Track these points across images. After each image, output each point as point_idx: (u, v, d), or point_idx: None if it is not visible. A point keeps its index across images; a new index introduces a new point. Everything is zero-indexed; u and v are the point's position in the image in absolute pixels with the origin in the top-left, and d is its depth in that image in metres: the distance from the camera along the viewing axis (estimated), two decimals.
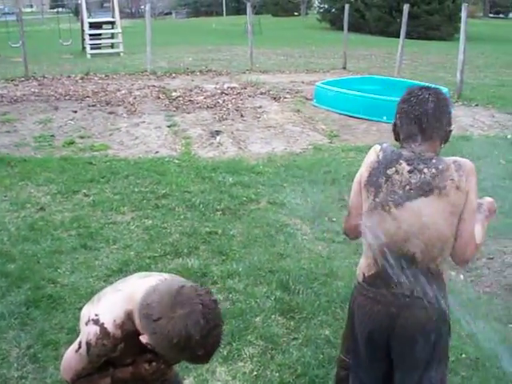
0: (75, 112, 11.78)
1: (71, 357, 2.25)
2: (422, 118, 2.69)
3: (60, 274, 5.18)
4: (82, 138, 9.92)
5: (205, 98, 13.40)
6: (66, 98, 13.22)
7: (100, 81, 15.99)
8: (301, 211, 6.72)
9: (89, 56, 22.40)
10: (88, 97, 13.32)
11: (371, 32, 37.40)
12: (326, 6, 47.75)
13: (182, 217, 6.52)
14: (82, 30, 23.66)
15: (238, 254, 5.61)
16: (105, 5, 27.21)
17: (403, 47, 16.85)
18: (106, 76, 16.73)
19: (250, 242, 5.91)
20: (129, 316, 2.14)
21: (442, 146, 2.80)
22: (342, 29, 21.03)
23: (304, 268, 5.34)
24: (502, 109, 12.70)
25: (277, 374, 3.92)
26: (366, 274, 2.79)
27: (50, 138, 9.87)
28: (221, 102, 13.03)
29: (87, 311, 2.24)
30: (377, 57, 23.43)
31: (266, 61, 20.96)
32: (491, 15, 63.41)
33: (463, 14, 13.64)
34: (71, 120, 11.16)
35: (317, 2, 57.61)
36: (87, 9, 23.88)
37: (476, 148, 9.37)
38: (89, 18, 23.76)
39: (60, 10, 43.63)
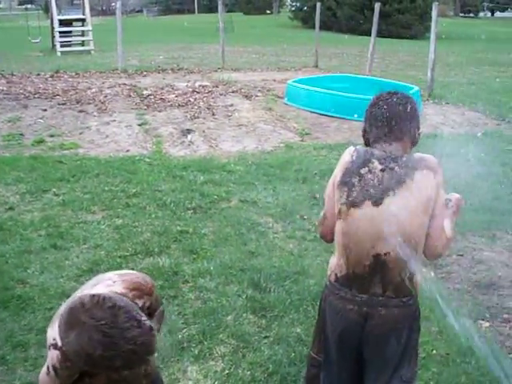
0: (45, 110, 11.66)
1: (44, 379, 2.24)
2: (392, 120, 2.73)
3: (29, 274, 5.13)
4: (51, 136, 9.83)
5: (176, 97, 13.35)
6: (36, 96, 13.08)
7: (70, 79, 15.85)
8: (272, 209, 6.73)
9: (59, 54, 22.18)
10: (58, 95, 13.19)
11: (343, 30, 37.52)
12: (298, 5, 47.78)
13: (152, 216, 6.49)
14: (52, 28, 23.40)
15: (209, 253, 5.60)
16: (75, 2, 26.91)
17: (374, 45, 16.95)
18: (76, 74, 16.59)
19: (221, 240, 5.90)
20: None
21: (411, 148, 2.83)
22: (313, 27, 21.12)
23: (275, 266, 5.35)
24: (472, 107, 12.83)
25: (248, 373, 3.91)
26: (339, 275, 2.80)
27: (19, 137, 9.75)
28: (192, 100, 12.99)
29: (49, 334, 2.21)
30: (348, 55, 23.54)
31: (237, 59, 20.95)
32: (462, 14, 64.03)
33: (434, 13, 13.76)
34: (41, 118, 11.05)
35: (289, 1, 57.72)
36: (57, 5, 23.61)
37: (446, 146, 9.43)
38: (59, 15, 23.49)
39: (29, 6, 43.23)
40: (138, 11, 75.06)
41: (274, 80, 16.12)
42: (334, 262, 2.83)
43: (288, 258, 5.54)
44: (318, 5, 20.43)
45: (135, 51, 22.07)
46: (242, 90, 14.27)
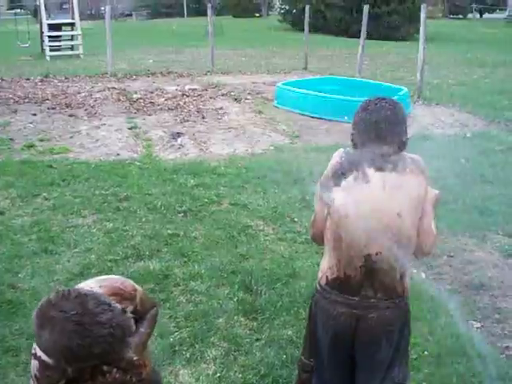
0: (35, 115, 11.64)
1: None
2: (380, 124, 2.74)
3: (20, 278, 5.12)
4: (41, 141, 9.80)
5: (166, 100, 13.36)
6: (25, 100, 13.06)
7: (60, 83, 15.82)
8: (263, 212, 6.73)
9: (48, 58, 22.10)
10: (48, 99, 13.18)
11: (332, 32, 37.56)
12: (287, 7, 47.77)
13: (143, 219, 6.49)
14: (41, 32, 23.33)
15: (200, 256, 5.60)
16: (64, 6, 26.82)
17: (364, 47, 16.98)
18: (65, 78, 16.56)
19: (212, 243, 5.91)
20: None
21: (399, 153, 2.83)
22: (303, 30, 21.12)
23: (266, 269, 5.36)
24: (461, 108, 12.88)
25: (240, 375, 3.92)
26: (330, 277, 2.80)
27: (9, 142, 9.73)
28: (182, 103, 13.00)
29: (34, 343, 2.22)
30: (338, 57, 23.56)
31: (227, 62, 20.94)
32: (450, 16, 64.21)
33: (422, 15, 13.81)
34: (30, 123, 11.03)
35: (278, 3, 57.74)
36: (46, 10, 23.54)
37: (436, 147, 9.48)
38: (48, 19, 23.41)
39: (18, 11, 43.04)
40: (127, 15, 74.91)
41: (264, 83, 16.14)
42: (325, 265, 2.82)
43: (279, 261, 5.55)
44: (307, 7, 20.47)
45: (124, 55, 22.05)
46: (232, 93, 14.28)
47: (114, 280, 2.41)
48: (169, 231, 6.16)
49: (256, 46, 27.38)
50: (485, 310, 4.82)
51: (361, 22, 17.23)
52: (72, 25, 24.04)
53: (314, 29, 28.70)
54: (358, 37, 17.67)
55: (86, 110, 12.23)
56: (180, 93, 14.32)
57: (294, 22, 42.52)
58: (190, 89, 14.91)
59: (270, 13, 61.96)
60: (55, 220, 6.46)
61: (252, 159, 8.93)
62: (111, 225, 6.33)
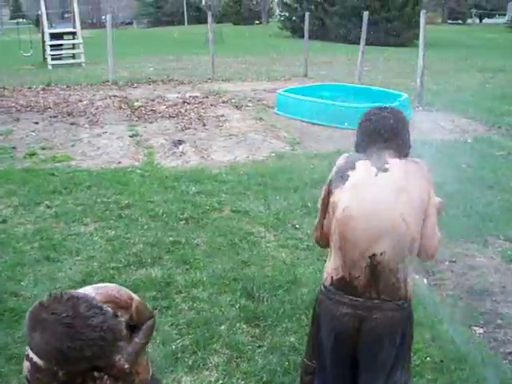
0: (37, 123, 11.68)
1: None
2: (384, 132, 2.82)
3: (23, 286, 5.13)
4: (43, 149, 9.83)
5: (167, 108, 13.38)
6: (28, 109, 13.11)
7: (61, 92, 15.87)
8: (264, 219, 6.74)
9: (50, 67, 22.17)
10: (49, 108, 13.22)
11: (332, 39, 37.65)
12: (287, 14, 47.91)
13: (145, 227, 6.50)
14: (43, 41, 23.41)
15: (201, 263, 5.61)
16: (66, 15, 26.94)
17: (364, 54, 17.01)
18: (67, 87, 16.61)
19: (213, 250, 5.91)
20: None
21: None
22: (303, 36, 21.15)
23: (268, 275, 5.36)
24: (461, 113, 12.88)
25: (242, 382, 3.92)
26: (335, 278, 2.83)
27: (12, 150, 9.76)
28: (183, 111, 13.02)
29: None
30: (338, 64, 23.60)
31: (227, 69, 20.99)
32: (450, 21, 64.31)
33: (422, 21, 13.85)
34: (33, 131, 11.07)
35: (278, 11, 57.91)
36: (48, 19, 23.63)
37: (437, 152, 9.48)
38: (49, 28, 23.51)
39: (20, 20, 43.19)
40: (128, 23, 75.20)
41: (264, 90, 16.17)
42: (330, 266, 2.86)
43: (281, 267, 5.55)
44: (307, 14, 20.51)
45: (126, 63, 22.11)
46: (233, 101, 14.31)
47: (110, 288, 2.42)
48: (170, 238, 6.17)
49: (256, 53, 27.44)
50: (487, 316, 4.82)
51: (360, 28, 17.27)
52: (73, 34, 24.11)
53: (314, 36, 28.76)
54: (358, 43, 17.70)
55: (87, 118, 12.26)
56: (181, 100, 14.34)
57: (294, 29, 42.65)
58: (190, 96, 14.94)
59: (270, 20, 62.13)
60: (57, 228, 6.47)
61: (253, 166, 8.93)
62: (113, 232, 6.34)
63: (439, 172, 8.28)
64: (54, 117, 12.29)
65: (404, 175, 2.73)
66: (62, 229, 6.45)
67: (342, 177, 2.77)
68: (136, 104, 13.79)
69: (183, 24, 65.90)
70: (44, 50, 23.46)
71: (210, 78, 18.50)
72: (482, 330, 4.62)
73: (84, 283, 5.01)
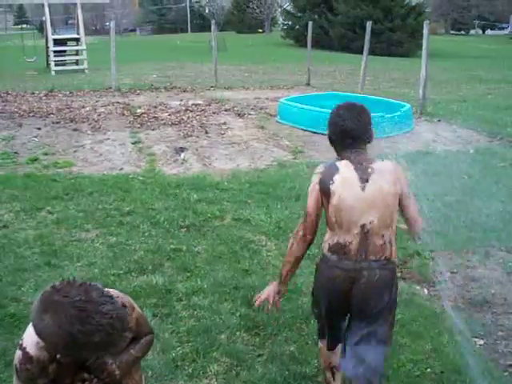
0: (39, 129, 11.70)
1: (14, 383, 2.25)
2: (354, 132, 3.33)
3: (23, 292, 5.12)
4: (46, 154, 9.86)
5: (169, 115, 13.40)
6: (30, 114, 13.13)
7: (64, 98, 15.91)
8: (265, 227, 6.74)
9: (53, 73, 22.26)
10: (52, 114, 13.24)
11: (335, 48, 37.78)
12: (290, 23, 48.12)
13: (146, 234, 6.50)
14: (47, 47, 23.51)
15: (202, 271, 5.60)
16: (69, 21, 27.11)
17: (366, 63, 17.05)
18: (70, 93, 16.66)
19: (214, 258, 5.91)
20: None
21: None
22: (305, 45, 21.22)
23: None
24: (464, 124, 12.88)
25: None
26: (331, 244, 3.29)
27: (14, 155, 9.79)
28: (185, 118, 13.04)
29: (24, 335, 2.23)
30: (340, 73, 23.66)
31: (230, 77, 21.05)
32: (453, 32, 64.49)
33: (425, 31, 13.88)
34: (35, 137, 11.09)
35: (281, 19, 58.06)
36: (52, 25, 23.74)
37: (439, 163, 9.49)
38: (53, 34, 23.63)
39: (24, 26, 43.41)
40: (131, 30, 75.51)
41: (267, 98, 16.20)
42: (327, 236, 3.33)
43: None
44: (310, 24, 20.58)
45: (128, 70, 22.17)
46: (235, 109, 14.34)
47: (115, 293, 2.43)
48: (172, 246, 6.17)
49: (259, 62, 27.51)
50: (488, 327, 4.80)
51: (363, 38, 17.32)
52: (77, 40, 24.22)
53: (317, 45, 28.85)
54: (360, 53, 17.75)
55: (90, 124, 12.29)
56: (183, 108, 14.37)
57: (297, 38, 42.81)
58: (193, 104, 14.97)
59: (273, 29, 62.31)
60: (59, 234, 6.47)
61: (255, 174, 8.93)
62: (114, 239, 6.34)
63: (440, 182, 8.30)
64: (57, 123, 12.31)
65: (384, 175, 3.24)
66: (64, 235, 6.45)
67: (331, 176, 3.28)
68: (138, 111, 13.81)
69: (186, 31, 66.18)
70: (47, 56, 23.56)
71: (212, 86, 18.55)
72: (482, 342, 4.60)
73: None
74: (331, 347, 3.61)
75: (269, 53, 34.36)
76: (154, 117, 13.20)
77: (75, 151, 10.18)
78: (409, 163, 9.71)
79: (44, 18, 23.91)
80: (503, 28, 62.67)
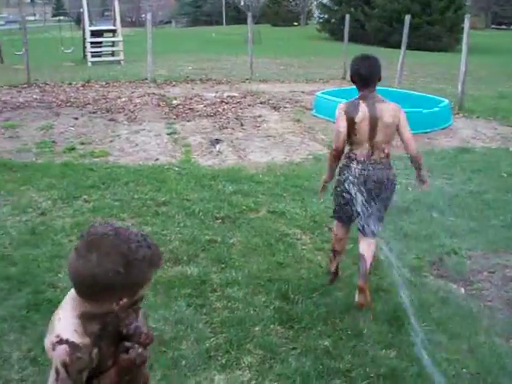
0: (76, 119, 11.83)
1: None
2: (365, 76, 4.74)
3: (60, 278, 5.16)
4: (82, 144, 9.95)
5: (205, 107, 13.44)
6: (67, 104, 13.29)
7: (101, 88, 16.07)
8: (300, 221, 6.71)
9: (90, 64, 22.47)
10: (89, 104, 13.39)
11: (371, 42, 37.46)
12: (326, 17, 47.89)
13: (181, 224, 6.51)
14: (84, 38, 23.73)
15: (237, 263, 5.59)
16: (106, 13, 27.31)
17: (404, 58, 16.89)
18: (106, 83, 16.81)
19: (249, 250, 5.89)
20: (83, 317, 2.16)
21: None
22: (341, 39, 21.11)
23: (303, 278, 5.33)
24: (503, 121, 12.71)
25: None
26: (349, 154, 4.78)
27: (51, 144, 9.90)
28: (221, 110, 13.07)
29: (48, 341, 2.18)
30: None
31: (265, 70, 21.01)
32: (493, 26, 63.50)
33: (466, 25, 13.57)
34: (72, 126, 11.21)
35: (316, 13, 57.79)
36: (89, 17, 23.94)
37: (478, 160, 9.37)
38: (90, 26, 23.83)
39: (62, 18, 43.85)
40: (166, 22, 75.79)
41: (302, 92, 16.16)
42: (347, 150, 4.78)
43: (316, 270, 5.52)
44: (347, 17, 20.45)
45: (164, 61, 22.27)
46: (270, 101, 14.33)
47: None
48: (206, 237, 6.17)
49: (294, 55, 27.43)
50: None
51: (400, 32, 17.13)
52: (113, 31, 24.41)
53: (353, 38, 28.59)
54: (398, 47, 17.58)
55: (125, 114, 12.38)
56: (219, 100, 14.40)
57: (333, 32, 42.63)
58: (228, 96, 14.99)
59: (309, 22, 62.06)
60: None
61: (290, 168, 8.90)
62: (150, 229, 6.36)
63: (479, 180, 8.20)
64: (93, 112, 12.44)
65: (385, 106, 4.68)
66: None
67: (355, 111, 4.66)
68: (174, 102, 13.88)
69: (221, 24, 66.22)
70: (84, 48, 23.78)
71: (247, 79, 18.56)
72: None
73: None
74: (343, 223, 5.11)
75: (304, 46, 34.23)
76: (190, 108, 13.25)
77: (111, 141, 10.27)
78: (447, 160, 9.62)
79: (82, 10, 24.13)
80: None
